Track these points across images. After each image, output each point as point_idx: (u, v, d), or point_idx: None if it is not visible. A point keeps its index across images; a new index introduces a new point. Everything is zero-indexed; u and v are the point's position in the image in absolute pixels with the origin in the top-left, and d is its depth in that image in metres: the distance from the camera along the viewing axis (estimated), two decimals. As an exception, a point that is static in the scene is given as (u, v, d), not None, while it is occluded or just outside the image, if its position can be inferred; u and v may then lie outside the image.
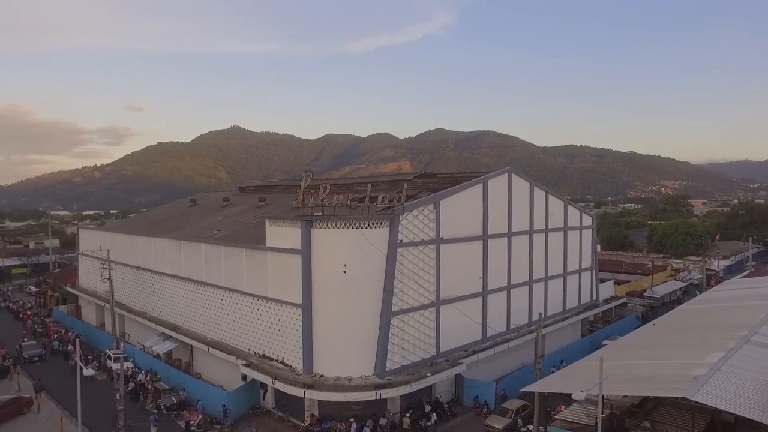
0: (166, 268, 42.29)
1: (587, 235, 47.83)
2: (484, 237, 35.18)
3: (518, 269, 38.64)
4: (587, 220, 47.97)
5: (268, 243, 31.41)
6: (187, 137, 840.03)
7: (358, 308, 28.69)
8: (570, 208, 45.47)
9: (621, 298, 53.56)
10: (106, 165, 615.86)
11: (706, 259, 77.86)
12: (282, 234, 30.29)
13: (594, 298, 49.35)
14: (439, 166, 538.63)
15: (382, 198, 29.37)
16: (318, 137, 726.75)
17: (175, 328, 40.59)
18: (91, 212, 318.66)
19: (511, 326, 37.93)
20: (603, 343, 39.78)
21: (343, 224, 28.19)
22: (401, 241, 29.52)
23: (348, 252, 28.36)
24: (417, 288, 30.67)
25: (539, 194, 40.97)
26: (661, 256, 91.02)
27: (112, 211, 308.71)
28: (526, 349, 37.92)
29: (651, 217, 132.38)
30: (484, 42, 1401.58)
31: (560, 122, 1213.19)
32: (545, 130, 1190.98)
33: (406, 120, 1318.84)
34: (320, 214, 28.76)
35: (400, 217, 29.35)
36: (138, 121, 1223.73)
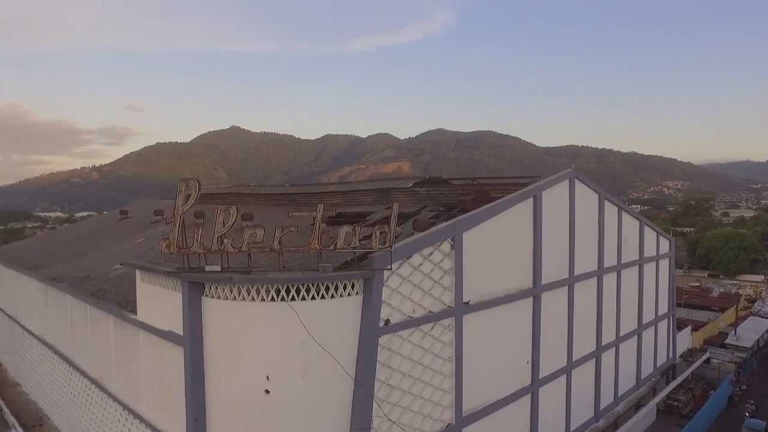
0: (35, 326, 27.76)
1: (665, 267, 33.02)
2: (535, 291, 20.24)
3: (582, 335, 23.89)
4: (665, 246, 33.05)
5: (140, 314, 16.80)
6: (186, 137, 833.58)
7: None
8: (646, 230, 30.46)
9: (702, 351, 38.35)
10: (104, 165, 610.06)
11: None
12: (158, 300, 15.67)
13: (671, 355, 34.69)
14: (440, 167, 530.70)
15: (354, 227, 14.33)
16: (318, 137, 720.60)
17: (39, 422, 25.92)
18: (84, 213, 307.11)
19: (572, 429, 23.33)
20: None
21: (263, 291, 13.45)
22: (387, 321, 14.44)
23: (275, 350, 13.57)
24: (419, 406, 15.92)
25: (610, 211, 26.02)
26: (706, 274, 76.81)
27: (105, 212, 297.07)
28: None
29: (671, 221, 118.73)
30: (484, 42, 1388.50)
31: (561, 122, 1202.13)
32: (546, 130, 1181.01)
33: (406, 120, 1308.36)
34: (219, 268, 13.90)
35: (386, 273, 14.42)
36: (138, 121, 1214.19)
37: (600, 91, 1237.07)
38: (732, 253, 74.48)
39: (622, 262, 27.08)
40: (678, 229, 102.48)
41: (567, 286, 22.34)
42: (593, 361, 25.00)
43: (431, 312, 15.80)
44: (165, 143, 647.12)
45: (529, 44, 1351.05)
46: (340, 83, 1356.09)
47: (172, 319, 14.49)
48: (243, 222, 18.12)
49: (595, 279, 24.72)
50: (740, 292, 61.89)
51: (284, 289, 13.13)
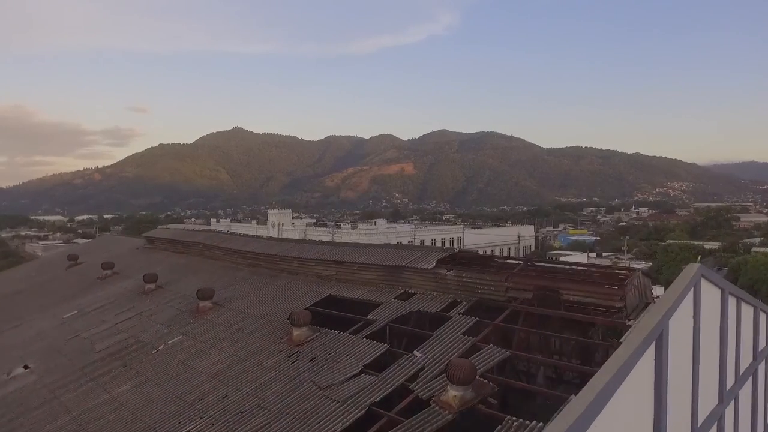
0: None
1: None
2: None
3: None
4: None
5: None
6: (189, 138, 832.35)
7: None
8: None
9: None
10: (107, 167, 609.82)
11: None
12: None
13: None
14: (443, 168, 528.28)
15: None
16: (320, 138, 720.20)
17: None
18: (84, 217, 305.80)
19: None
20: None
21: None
22: None
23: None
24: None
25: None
26: (755, 309, 69.56)
27: (105, 216, 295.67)
28: None
29: (689, 232, 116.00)
30: (488, 42, 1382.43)
31: (565, 123, 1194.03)
32: (550, 131, 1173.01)
33: (409, 121, 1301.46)
34: None
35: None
36: (141, 122, 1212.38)
37: (604, 92, 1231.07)
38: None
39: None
40: (704, 244, 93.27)
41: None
42: None
43: None
44: (167, 144, 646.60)
45: (532, 45, 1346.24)
46: (343, 84, 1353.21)
47: None
48: (200, 302, 16.68)
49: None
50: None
51: None
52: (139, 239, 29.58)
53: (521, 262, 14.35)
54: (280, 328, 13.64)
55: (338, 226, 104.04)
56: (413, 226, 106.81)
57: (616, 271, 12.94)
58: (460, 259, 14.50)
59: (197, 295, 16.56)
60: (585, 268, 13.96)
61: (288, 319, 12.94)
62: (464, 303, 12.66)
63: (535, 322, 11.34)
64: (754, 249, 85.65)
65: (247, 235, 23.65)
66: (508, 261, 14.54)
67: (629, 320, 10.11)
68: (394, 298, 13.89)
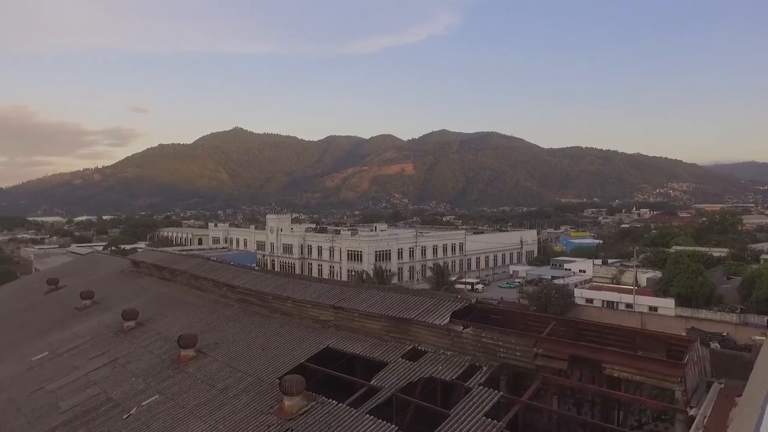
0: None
1: None
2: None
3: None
4: None
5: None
6: (188, 139, 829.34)
7: None
8: None
9: None
10: (107, 167, 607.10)
11: None
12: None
13: None
14: (443, 168, 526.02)
15: None
16: (320, 138, 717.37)
17: None
18: (83, 218, 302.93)
19: None
20: None
21: None
22: None
23: None
24: None
25: None
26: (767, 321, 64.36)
27: (104, 217, 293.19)
28: None
29: (695, 237, 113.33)
30: (488, 42, 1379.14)
31: (565, 123, 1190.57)
32: (550, 131, 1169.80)
33: (409, 121, 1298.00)
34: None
35: None
36: (142, 122, 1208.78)
37: (605, 92, 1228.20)
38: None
39: None
40: (711, 251, 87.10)
41: None
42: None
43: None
44: (167, 145, 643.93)
45: (533, 45, 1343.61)
46: (343, 84, 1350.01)
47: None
48: (181, 350, 14.82)
49: None
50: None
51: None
52: (125, 260, 27.81)
53: (550, 319, 12.11)
54: (269, 391, 11.83)
55: (338, 232, 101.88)
56: (414, 232, 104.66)
57: (668, 337, 10.78)
58: (477, 313, 12.55)
59: (179, 342, 14.76)
60: (628, 328, 11.73)
61: (279, 386, 11.12)
62: (484, 369, 10.78)
63: (570, 397, 9.61)
64: (763, 256, 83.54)
65: (236, 265, 21.70)
66: (532, 315, 12.72)
67: (690, 407, 8.24)
68: (402, 357, 12.13)
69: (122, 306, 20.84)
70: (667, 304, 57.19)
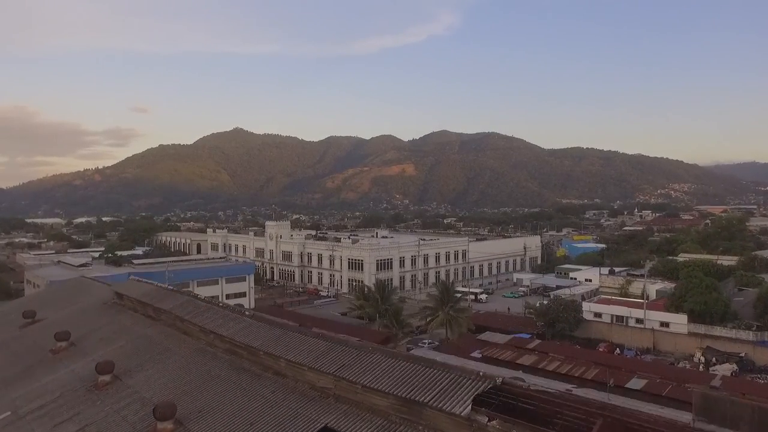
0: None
1: None
2: None
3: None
4: None
5: None
6: (189, 139, 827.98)
7: None
8: None
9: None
10: (107, 167, 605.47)
11: None
12: None
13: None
14: (444, 169, 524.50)
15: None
16: (321, 139, 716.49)
17: None
18: (83, 219, 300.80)
19: None
20: None
21: None
22: None
23: None
24: None
25: None
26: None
27: (104, 218, 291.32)
28: None
29: (701, 243, 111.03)
30: (488, 43, 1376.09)
31: (566, 124, 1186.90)
32: (551, 131, 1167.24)
33: (409, 122, 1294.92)
34: None
35: None
36: (142, 123, 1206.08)
37: (605, 92, 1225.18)
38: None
39: None
40: (719, 259, 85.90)
41: None
42: None
43: None
44: (168, 145, 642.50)
45: (533, 45, 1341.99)
46: (343, 85, 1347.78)
47: None
48: (158, 423, 12.96)
49: None
50: None
51: None
52: (109, 289, 25.96)
53: (596, 414, 9.71)
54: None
55: (338, 240, 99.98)
56: (416, 239, 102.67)
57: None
58: (504, 398, 10.61)
59: (154, 414, 12.87)
60: (684, 425, 9.67)
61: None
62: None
63: None
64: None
65: (227, 306, 19.79)
66: (572, 404, 10.37)
67: None
68: (414, 449, 10.23)
69: (100, 350, 19.01)
70: (679, 320, 55.40)
